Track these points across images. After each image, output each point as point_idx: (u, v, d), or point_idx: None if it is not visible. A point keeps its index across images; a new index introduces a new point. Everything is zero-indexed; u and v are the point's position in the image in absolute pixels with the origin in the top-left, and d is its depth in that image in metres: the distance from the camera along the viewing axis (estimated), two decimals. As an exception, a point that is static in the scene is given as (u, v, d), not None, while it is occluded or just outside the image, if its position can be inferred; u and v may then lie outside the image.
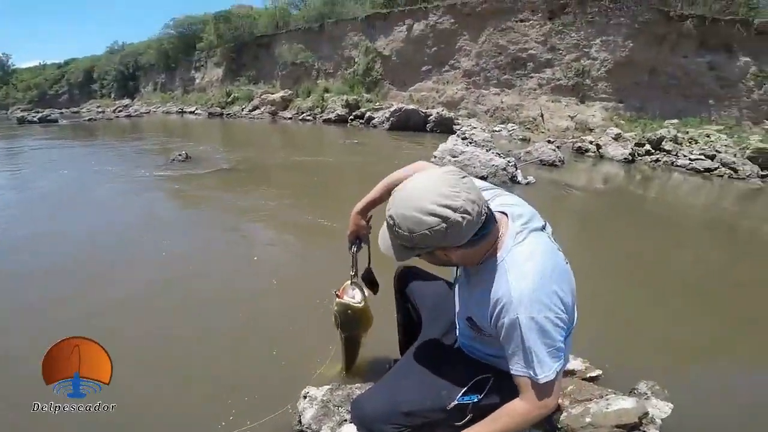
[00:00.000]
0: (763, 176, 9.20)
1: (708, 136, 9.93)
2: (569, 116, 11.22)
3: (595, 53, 12.28)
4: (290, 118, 15.68)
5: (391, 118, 11.40)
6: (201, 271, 2.49)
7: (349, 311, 1.32)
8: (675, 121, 10.57)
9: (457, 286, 1.08)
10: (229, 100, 19.06)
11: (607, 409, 1.24)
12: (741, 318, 2.40)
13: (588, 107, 11.60)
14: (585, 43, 12.45)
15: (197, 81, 24.76)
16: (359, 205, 1.28)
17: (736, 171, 9.11)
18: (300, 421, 1.26)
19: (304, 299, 2.13)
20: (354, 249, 1.37)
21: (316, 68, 17.98)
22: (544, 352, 0.85)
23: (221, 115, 17.95)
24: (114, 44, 39.15)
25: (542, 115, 10.62)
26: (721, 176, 8.88)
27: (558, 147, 9.98)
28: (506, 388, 0.98)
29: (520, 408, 0.92)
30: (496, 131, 11.83)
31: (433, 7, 15.03)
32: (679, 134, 9.93)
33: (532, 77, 12.70)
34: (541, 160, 7.71)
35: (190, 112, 20.17)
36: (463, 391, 1.01)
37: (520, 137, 11.50)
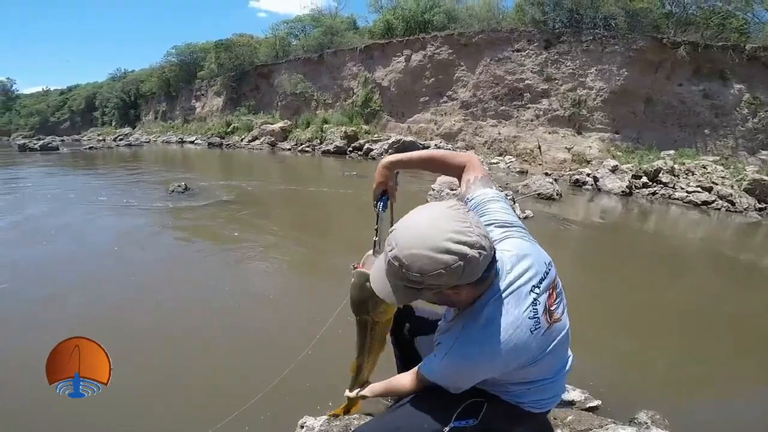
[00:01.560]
0: (760, 209, 9.30)
1: (704, 167, 10.06)
2: (566, 148, 11.42)
3: (591, 82, 12.58)
4: (289, 149, 15.93)
5: (390, 150, 11.60)
6: (201, 303, 2.54)
7: (368, 283, 1.04)
8: (671, 152, 10.73)
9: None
10: (229, 130, 19.28)
11: None
12: (739, 348, 2.47)
13: (585, 138, 11.82)
14: (581, 73, 12.78)
15: (198, 110, 25.28)
16: (388, 159, 1.19)
17: (733, 204, 9.22)
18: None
19: (305, 327, 2.16)
20: (380, 207, 1.22)
21: (315, 99, 18.37)
22: (449, 377, 0.97)
23: (221, 145, 18.11)
24: (116, 71, 40.36)
25: (539, 147, 10.82)
26: (719, 209, 8.98)
27: (555, 180, 10.13)
28: (503, 414, 1.01)
29: (404, 380, 1.10)
30: (493, 164, 12.03)
31: (431, 38, 15.54)
32: (676, 165, 10.08)
33: (529, 108, 12.99)
34: (538, 194, 7.83)
35: (190, 142, 20.49)
36: (458, 413, 1.00)
37: (518, 170, 11.71)
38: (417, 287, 0.81)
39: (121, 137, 25.49)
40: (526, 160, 12.24)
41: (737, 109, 11.77)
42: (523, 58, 13.53)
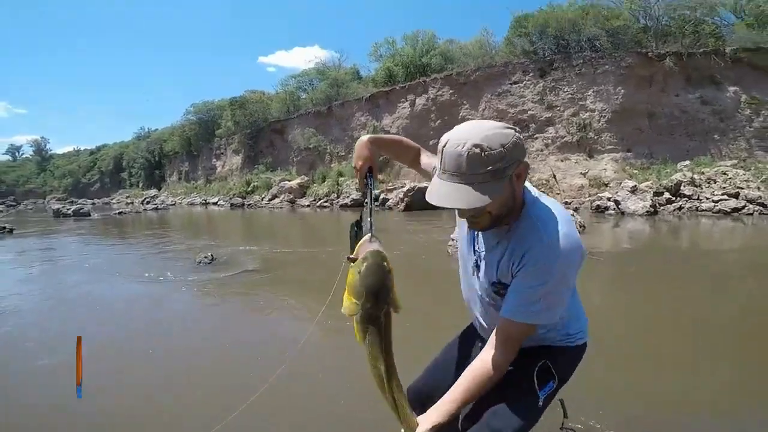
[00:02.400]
0: (793, 207, 9.12)
1: (725, 173, 10.02)
2: (581, 173, 11.55)
3: (591, 104, 12.87)
4: (308, 206, 16.23)
5: (405, 199, 11.82)
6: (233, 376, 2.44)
7: (386, 264, 0.95)
8: (687, 162, 10.74)
9: (478, 265, 1.04)
10: (250, 189, 19.97)
11: None
12: None
13: (598, 161, 11.96)
14: (580, 96, 13.11)
15: (218, 169, 26.53)
16: (370, 136, 1.16)
17: (765, 206, 9.08)
18: None
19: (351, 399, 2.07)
20: (370, 182, 1.15)
21: (328, 152, 19.10)
22: (556, 303, 0.92)
23: (243, 205, 18.57)
24: (141, 130, 42.82)
25: (554, 176, 10.98)
26: (751, 214, 8.86)
27: (576, 209, 10.16)
28: (566, 360, 1.05)
29: (494, 360, 0.94)
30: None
31: (432, 80, 16.27)
32: (695, 176, 10.05)
33: (536, 138, 13.29)
34: None
35: (214, 203, 21.35)
36: (537, 383, 0.99)
37: (537, 201, 11.76)
38: (502, 167, 0.82)
39: (147, 200, 26.73)
40: (543, 191, 12.19)
41: (739, 110, 11.85)
42: (522, 90, 14.01)
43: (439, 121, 15.86)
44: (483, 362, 0.95)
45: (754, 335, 2.91)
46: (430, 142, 16.08)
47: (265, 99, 24.25)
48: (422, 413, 1.01)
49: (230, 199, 20.30)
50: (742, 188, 9.57)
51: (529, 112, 13.73)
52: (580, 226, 7.85)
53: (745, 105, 11.87)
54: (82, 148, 57.25)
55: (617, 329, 3.06)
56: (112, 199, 34.32)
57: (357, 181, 1.16)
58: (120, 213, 18.00)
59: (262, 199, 18.58)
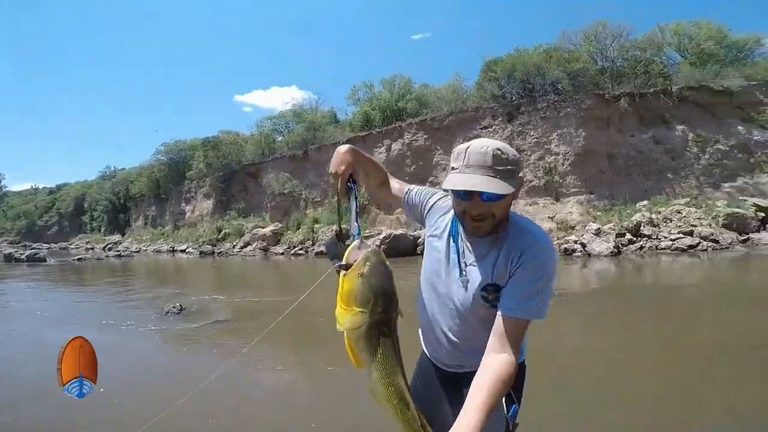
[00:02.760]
0: (743, 241, 10.12)
1: (679, 212, 11.04)
2: (549, 217, 12.39)
3: (555, 148, 13.99)
4: (282, 254, 16.21)
5: (382, 246, 12.18)
6: None
7: (388, 265, 0.94)
8: (645, 202, 11.75)
9: (465, 275, 1.10)
10: (220, 236, 19.67)
11: None
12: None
13: (563, 204, 12.89)
14: (545, 140, 14.24)
15: (188, 214, 26.02)
16: (349, 146, 1.19)
17: (717, 242, 10.04)
18: None
19: None
20: (355, 190, 1.16)
21: (303, 197, 19.31)
22: (548, 299, 1.02)
23: (213, 253, 18.25)
24: (106, 169, 41.10)
25: (524, 219, 11.68)
26: (705, 250, 9.75)
27: (549, 250, 10.86)
28: (521, 380, 1.11)
29: (507, 361, 0.97)
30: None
31: (407, 125, 17.12)
32: (653, 215, 11.02)
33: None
34: None
35: (182, 251, 20.84)
36: (505, 409, 1.05)
37: (510, 245, 12.41)
38: (515, 170, 1.00)
39: (110, 246, 25.58)
40: (516, 234, 12.98)
41: (687, 149, 13.21)
42: (491, 134, 15.01)
43: (414, 166, 16.57)
44: (496, 365, 0.97)
45: (722, 365, 3.28)
46: (405, 189, 16.65)
47: (239, 140, 24.35)
48: None
49: (200, 246, 19.97)
50: (695, 226, 10.55)
51: (498, 156, 14.65)
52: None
53: (693, 143, 13.26)
54: (40, 186, 55.06)
55: (591, 367, 3.44)
56: (70, 244, 33.00)
57: (337, 188, 1.15)
58: (79, 259, 17.28)
59: (233, 247, 18.41)
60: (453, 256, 1.13)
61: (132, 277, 12.06)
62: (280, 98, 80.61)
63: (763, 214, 10.80)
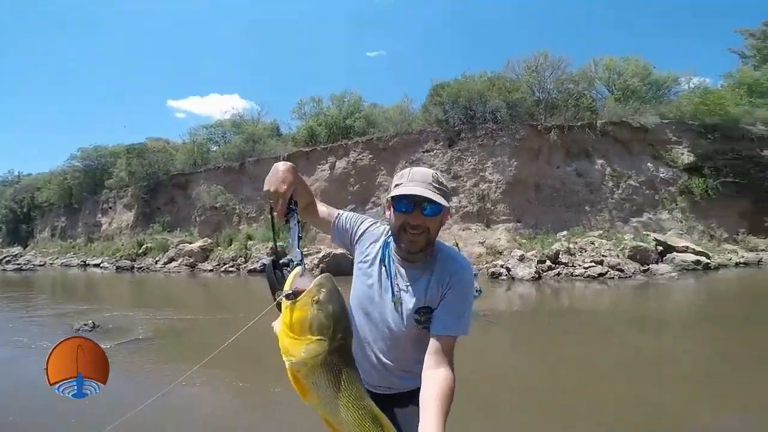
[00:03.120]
0: (644, 271, 11.63)
1: (593, 243, 12.44)
2: (480, 242, 13.31)
3: (490, 176, 15.03)
4: (211, 270, 15.61)
5: (321, 265, 12.25)
6: None
7: (339, 291, 0.95)
8: (564, 232, 13.08)
9: (399, 298, 1.21)
10: (141, 251, 18.45)
11: None
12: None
13: (493, 231, 13.90)
14: (480, 167, 15.21)
15: (104, 227, 23.89)
16: (290, 164, 1.18)
17: (622, 271, 11.42)
18: None
19: None
20: (295, 212, 1.14)
21: (237, 212, 18.65)
22: (471, 316, 1.20)
23: (132, 268, 17.32)
24: (8, 174, 37.05)
25: (457, 244, 12.46)
26: (613, 278, 11.05)
27: (475, 275, 11.62)
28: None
29: (447, 375, 1.09)
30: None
31: (353, 144, 17.28)
32: (570, 245, 12.30)
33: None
34: None
35: (96, 265, 19.20)
36: None
37: (442, 268, 13.12)
38: (448, 195, 1.17)
39: (8, 258, 22.88)
40: (448, 259, 13.76)
41: (604, 183, 14.81)
42: (432, 159, 15.84)
43: (357, 186, 16.75)
44: (445, 379, 1.08)
45: (629, 380, 3.83)
46: (348, 207, 16.83)
47: (168, 149, 23.05)
48: None
49: (117, 260, 18.52)
50: (605, 256, 11.94)
51: (437, 180, 15.52)
52: (477, 291, 9.11)
53: (609, 177, 14.91)
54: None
55: (515, 386, 3.83)
56: (-41, 257, 28.90)
57: (275, 208, 1.13)
58: (-31, 273, 15.50)
59: (156, 262, 17.22)
60: (385, 280, 1.23)
61: (35, 292, 11.01)
62: (219, 106, 77.08)
63: (661, 248, 12.49)
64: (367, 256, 1.28)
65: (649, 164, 15.13)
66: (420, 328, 1.20)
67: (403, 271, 1.22)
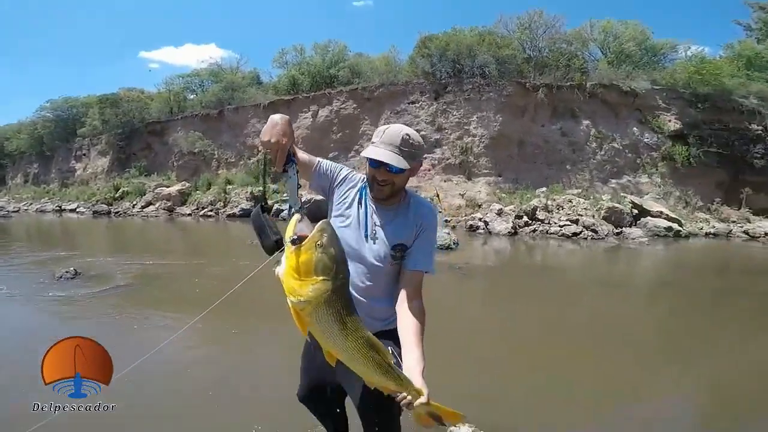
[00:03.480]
0: (617, 233, 11.76)
1: (570, 201, 12.42)
2: (460, 194, 13.22)
3: (474, 130, 14.77)
4: (190, 215, 15.41)
5: (303, 209, 12.06)
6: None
7: (338, 239, 1.06)
8: (544, 189, 13.02)
9: (374, 235, 1.35)
10: (118, 195, 18.10)
11: None
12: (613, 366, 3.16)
13: (474, 183, 13.80)
14: (465, 121, 14.91)
15: (78, 172, 23.15)
16: (287, 117, 1.24)
17: (596, 232, 11.48)
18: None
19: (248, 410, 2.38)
20: (294, 163, 1.24)
21: (216, 158, 18.24)
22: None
23: (109, 213, 16.93)
24: None
25: (438, 195, 12.41)
26: (586, 239, 11.13)
27: (453, 227, 11.60)
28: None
29: (420, 306, 1.29)
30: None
31: (337, 93, 16.76)
32: (549, 202, 12.28)
33: (425, 158, 14.74)
34: (438, 245, 8.86)
35: (71, 210, 18.65)
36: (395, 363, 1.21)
37: (421, 219, 13.09)
38: (415, 154, 1.31)
39: None
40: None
41: (587, 143, 14.69)
42: (417, 110, 15.42)
43: (340, 134, 16.41)
44: (417, 310, 1.29)
45: (590, 340, 3.86)
46: (330, 155, 16.55)
47: (143, 98, 22.15)
48: (321, 403, 1.53)
49: (93, 205, 18.02)
50: (581, 215, 11.96)
51: (421, 132, 15.12)
52: (454, 243, 8.93)
53: (593, 138, 14.79)
54: None
55: (484, 335, 3.86)
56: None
57: (274, 158, 1.21)
58: (-61, 221, 14.75)
59: (133, 206, 16.83)
60: (362, 219, 1.36)
61: (10, 239, 10.58)
62: (195, 56, 73.51)
63: (636, 211, 12.58)
64: (345, 198, 1.39)
65: (634, 128, 15.02)
66: (394, 264, 1.35)
67: (378, 212, 1.36)
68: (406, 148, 1.29)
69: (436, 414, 1.21)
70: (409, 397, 1.16)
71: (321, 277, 1.00)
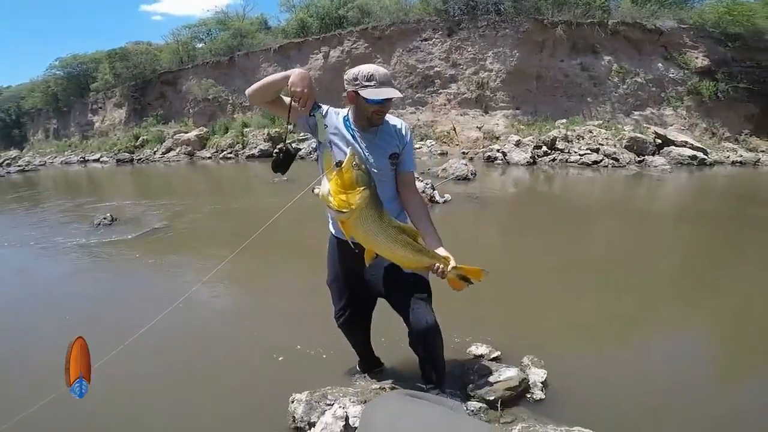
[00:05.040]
0: (638, 162, 11.38)
1: (591, 132, 11.97)
2: (477, 127, 12.81)
3: (490, 65, 14.08)
4: (210, 158, 15.36)
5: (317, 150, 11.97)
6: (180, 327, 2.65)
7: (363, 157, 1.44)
8: (563, 120, 12.53)
9: (366, 155, 1.58)
10: (138, 143, 17.97)
11: (499, 378, 1.84)
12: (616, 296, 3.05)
13: (492, 117, 13.31)
14: (480, 57, 14.19)
15: (96, 125, 22.96)
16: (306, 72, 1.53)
17: (617, 160, 11.12)
18: (294, 418, 1.67)
19: (278, 341, 2.47)
20: (321, 110, 1.53)
21: (231, 102, 17.87)
22: None
23: (131, 161, 16.88)
24: None
25: (454, 129, 12.07)
26: (606, 167, 10.80)
27: (471, 159, 11.32)
28: None
29: (421, 199, 1.70)
30: (416, 149, 13.11)
31: (347, 33, 16.02)
32: (568, 132, 11.85)
33: (441, 93, 14.18)
34: (456, 176, 8.34)
35: (95, 160, 18.74)
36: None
37: (439, 152, 12.71)
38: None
39: (8, 161, 22.27)
40: (444, 142, 13.36)
41: (609, 78, 13.98)
42: (430, 47, 14.67)
43: (353, 74, 16.02)
44: (418, 200, 1.68)
45: (593, 268, 3.68)
46: (343, 94, 16.13)
47: (152, 50, 21.50)
48: (356, 322, 1.84)
49: (116, 154, 18.06)
50: (602, 145, 11.53)
51: (435, 68, 14.52)
52: (471, 174, 8.51)
53: (615, 73, 14.07)
54: None
55: (503, 264, 3.69)
56: (-46, 163, 28.60)
57: (304, 104, 1.49)
58: (-29, 179, 14.97)
59: (154, 153, 16.78)
60: (354, 141, 1.59)
61: (43, 191, 10.77)
62: (198, 5, 70.70)
63: (660, 141, 12.08)
64: (336, 128, 1.60)
65: (659, 64, 14.13)
66: (392, 169, 1.64)
67: (361, 135, 1.60)
68: (393, 80, 1.60)
69: (464, 275, 1.47)
70: (441, 266, 1.45)
71: (362, 187, 1.28)
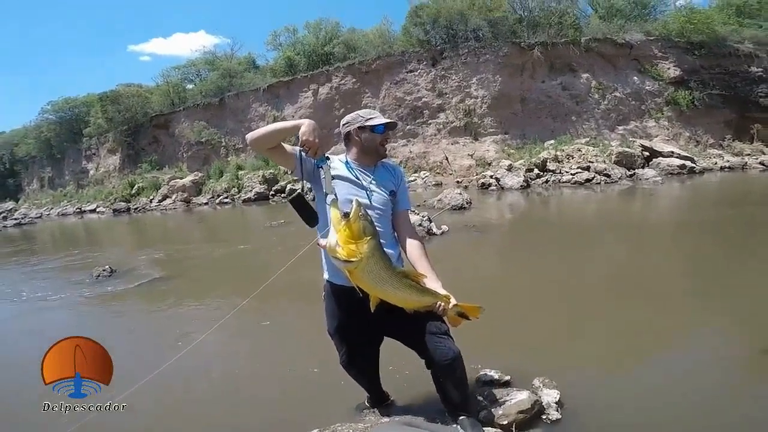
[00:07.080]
0: (630, 176, 11.38)
1: (580, 150, 12.01)
2: (469, 155, 12.80)
3: (475, 92, 14.23)
4: (206, 203, 15.05)
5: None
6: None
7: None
8: (552, 141, 12.58)
9: (370, 193, 1.62)
10: (134, 191, 17.46)
11: (511, 402, 1.78)
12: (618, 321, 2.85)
13: (481, 143, 13.33)
14: (465, 84, 14.36)
15: (91, 172, 22.66)
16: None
17: (609, 176, 11.10)
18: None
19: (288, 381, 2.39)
20: (329, 162, 1.55)
21: (224, 145, 17.73)
22: None
23: (128, 210, 16.41)
24: None
25: (447, 158, 12.05)
26: (599, 183, 10.77)
27: (466, 187, 11.22)
28: None
29: (419, 238, 1.71)
30: (411, 181, 12.98)
31: (335, 69, 16.14)
32: (558, 153, 11.87)
33: (430, 124, 14.24)
34: (452, 206, 8.12)
35: (91, 211, 18.46)
36: None
37: (433, 183, 12.57)
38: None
39: (4, 214, 21.79)
40: (438, 173, 13.29)
41: (590, 95, 14.26)
42: (416, 78, 14.82)
43: (343, 109, 15.85)
44: (417, 241, 1.67)
45: (594, 289, 3.51)
46: (335, 131, 16.24)
47: (142, 92, 21.40)
48: (363, 362, 1.77)
49: (111, 204, 17.73)
50: (592, 162, 11.54)
51: (423, 99, 14.60)
52: (467, 203, 8.38)
53: (594, 90, 14.35)
54: None
55: (506, 291, 3.55)
56: (-52, 218, 27.94)
57: (313, 153, 1.52)
58: (-34, 234, 14.62)
59: (150, 201, 16.48)
60: (354, 186, 1.61)
61: (40, 244, 10.51)
62: (185, 45, 71.69)
63: (647, 153, 12.15)
64: (337, 171, 1.61)
65: (634, 78, 14.60)
66: (391, 206, 1.68)
67: (361, 174, 1.65)
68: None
69: (463, 312, 1.50)
70: (443, 304, 1.47)
71: (368, 237, 1.31)
